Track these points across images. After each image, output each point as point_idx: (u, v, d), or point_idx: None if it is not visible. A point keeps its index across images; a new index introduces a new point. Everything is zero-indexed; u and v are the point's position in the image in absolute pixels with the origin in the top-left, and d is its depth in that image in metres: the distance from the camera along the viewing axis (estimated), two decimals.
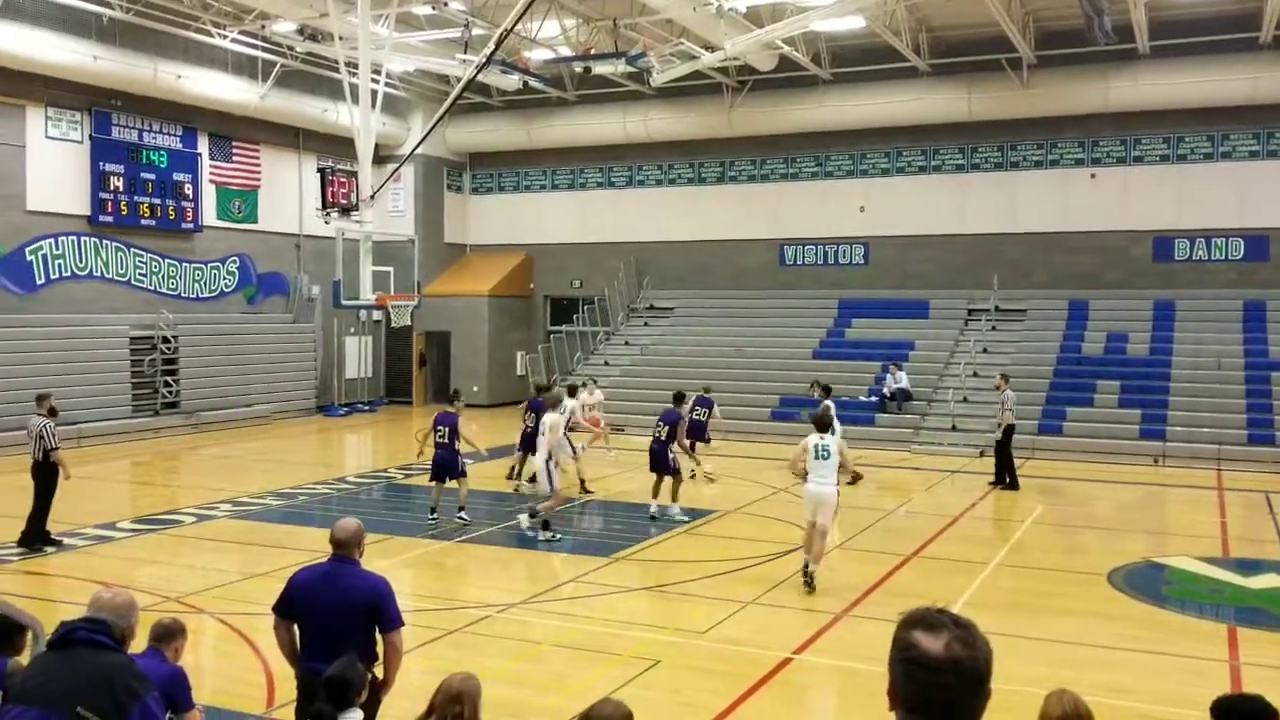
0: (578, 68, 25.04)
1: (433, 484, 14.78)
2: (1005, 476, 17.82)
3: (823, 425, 11.53)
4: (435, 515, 14.48)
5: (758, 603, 10.92)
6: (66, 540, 13.27)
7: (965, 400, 22.96)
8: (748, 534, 14.25)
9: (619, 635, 9.82)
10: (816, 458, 11.26)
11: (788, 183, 29.32)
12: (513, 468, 17.46)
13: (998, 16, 21.37)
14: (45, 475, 12.96)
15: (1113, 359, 23.67)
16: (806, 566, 11.39)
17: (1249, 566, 12.83)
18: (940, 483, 18.84)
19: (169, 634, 5.49)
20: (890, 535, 14.36)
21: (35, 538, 12.91)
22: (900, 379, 23.52)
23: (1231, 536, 14.77)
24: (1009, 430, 17.78)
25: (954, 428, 22.44)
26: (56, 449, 12.97)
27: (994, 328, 25.66)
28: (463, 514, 14.51)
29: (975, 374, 23.71)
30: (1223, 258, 24.95)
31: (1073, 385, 23.01)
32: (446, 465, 14.55)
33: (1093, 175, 25.95)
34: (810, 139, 28.46)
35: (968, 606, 10.79)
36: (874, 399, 23.86)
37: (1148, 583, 12.06)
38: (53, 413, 13.34)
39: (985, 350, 24.73)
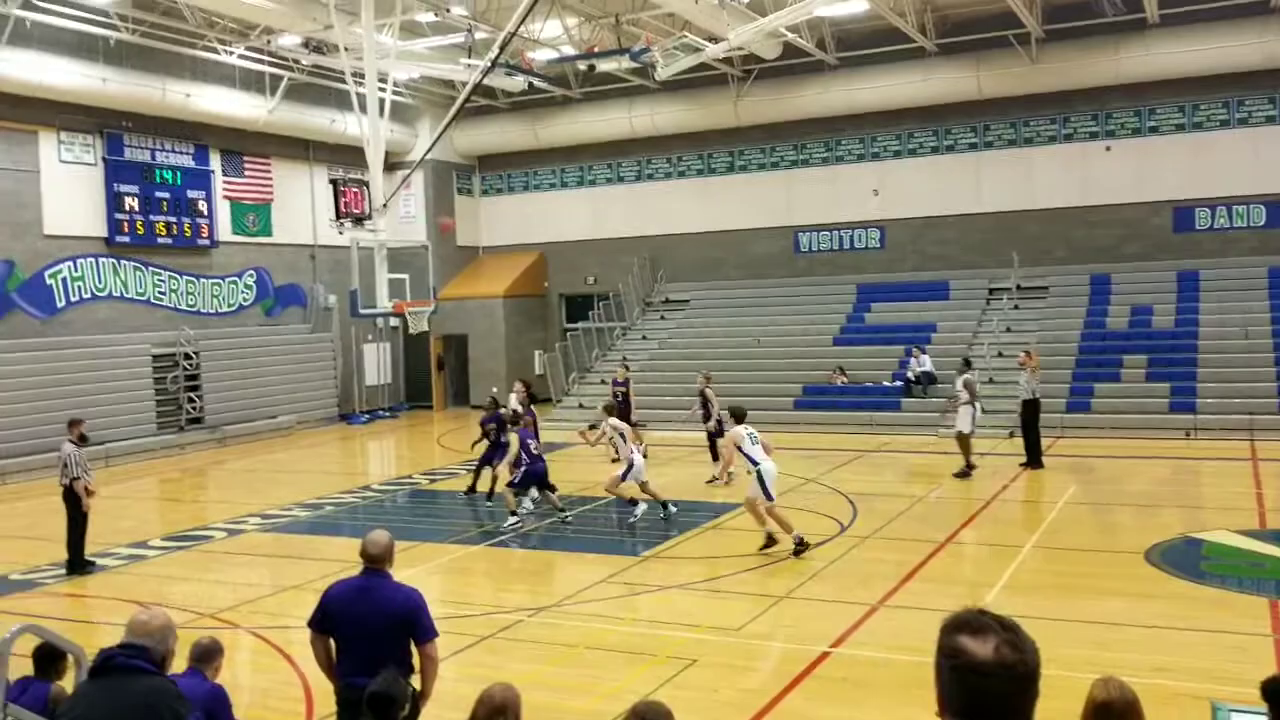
0: (582, 66, 24.99)
1: (521, 493, 14.81)
2: (1031, 455, 17.69)
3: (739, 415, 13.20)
4: (520, 520, 14.57)
5: (791, 596, 10.85)
6: (100, 560, 13.32)
7: (991, 381, 22.75)
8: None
9: (653, 635, 9.77)
10: (754, 443, 12.53)
11: (798, 169, 29.18)
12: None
13: None
14: (72, 502, 12.93)
15: (1138, 333, 23.41)
16: (802, 541, 12.39)
17: None
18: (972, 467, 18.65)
19: (208, 654, 5.50)
20: (922, 522, 14.24)
21: (75, 565, 12.93)
22: (924, 362, 23.37)
23: (1269, 508, 14.56)
24: (1035, 406, 17.63)
25: (982, 410, 22.22)
26: (79, 477, 12.82)
27: (1016, 306, 25.45)
28: (567, 515, 14.90)
29: (1000, 354, 23.52)
30: (1244, 225, 24.64)
31: (1099, 361, 22.80)
32: (544, 474, 14.63)
33: (1108, 148, 25.68)
34: (819, 124, 28.30)
35: (1005, 591, 10.70)
36: (898, 384, 23.73)
37: (1186, 559, 11.91)
38: (83, 439, 13.19)
39: (1009, 329, 24.53)
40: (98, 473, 14.89)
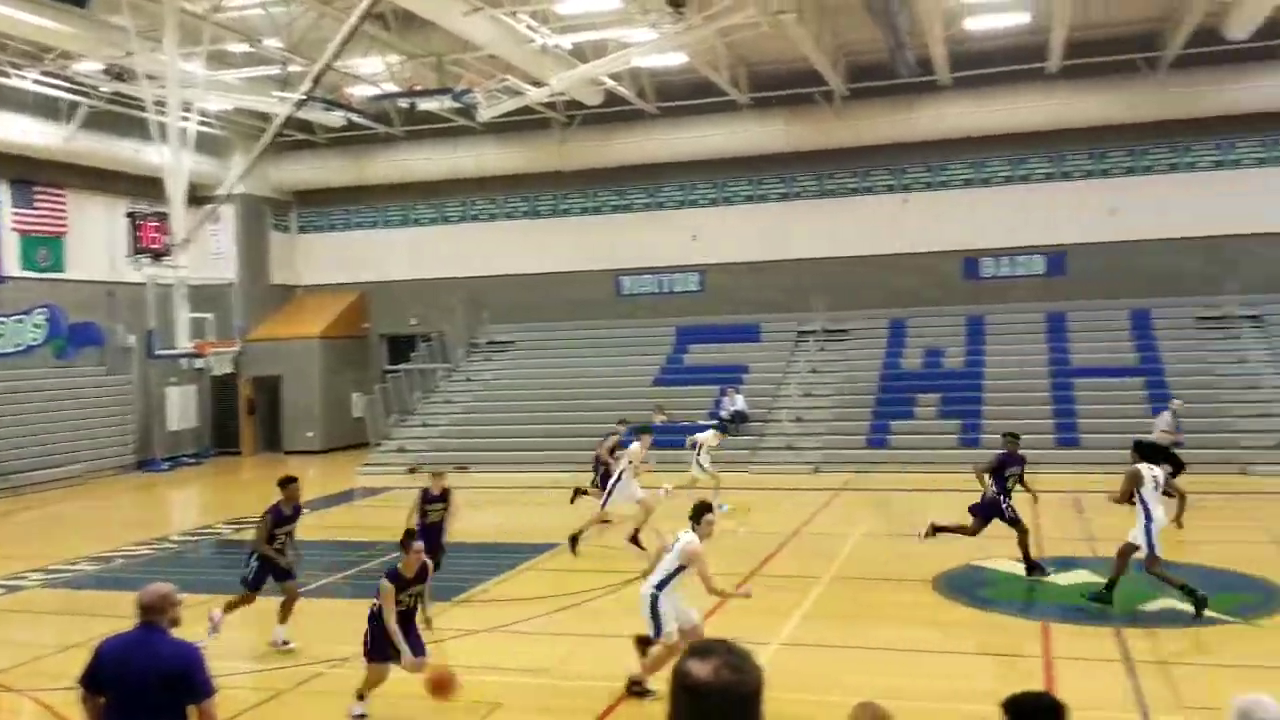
0: (403, 104, 24.84)
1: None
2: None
3: None
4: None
5: (604, 635, 10.93)
6: None
7: (799, 420, 23.70)
8: (590, 566, 14.29)
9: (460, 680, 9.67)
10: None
11: (621, 214, 29.77)
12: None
13: (808, 52, 22.28)
14: None
15: (931, 373, 24.93)
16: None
17: (1061, 564, 13.59)
18: (780, 502, 19.34)
19: None
20: (731, 555, 14.60)
21: None
22: (737, 401, 24.09)
23: (1045, 537, 15.62)
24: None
25: (789, 447, 23.10)
26: None
27: (822, 348, 26.63)
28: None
29: (808, 394, 24.51)
30: (1025, 274, 26.66)
31: (895, 400, 24.08)
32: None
33: (905, 200, 27.33)
34: (640, 171, 29.00)
35: (803, 620, 11.15)
36: (714, 422, 24.30)
37: (969, 586, 12.68)
38: None
39: (815, 370, 25.63)
40: None
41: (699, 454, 17.94)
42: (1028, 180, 26.71)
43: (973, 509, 13.13)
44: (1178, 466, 14.15)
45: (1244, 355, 23.57)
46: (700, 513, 8.97)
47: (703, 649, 2.38)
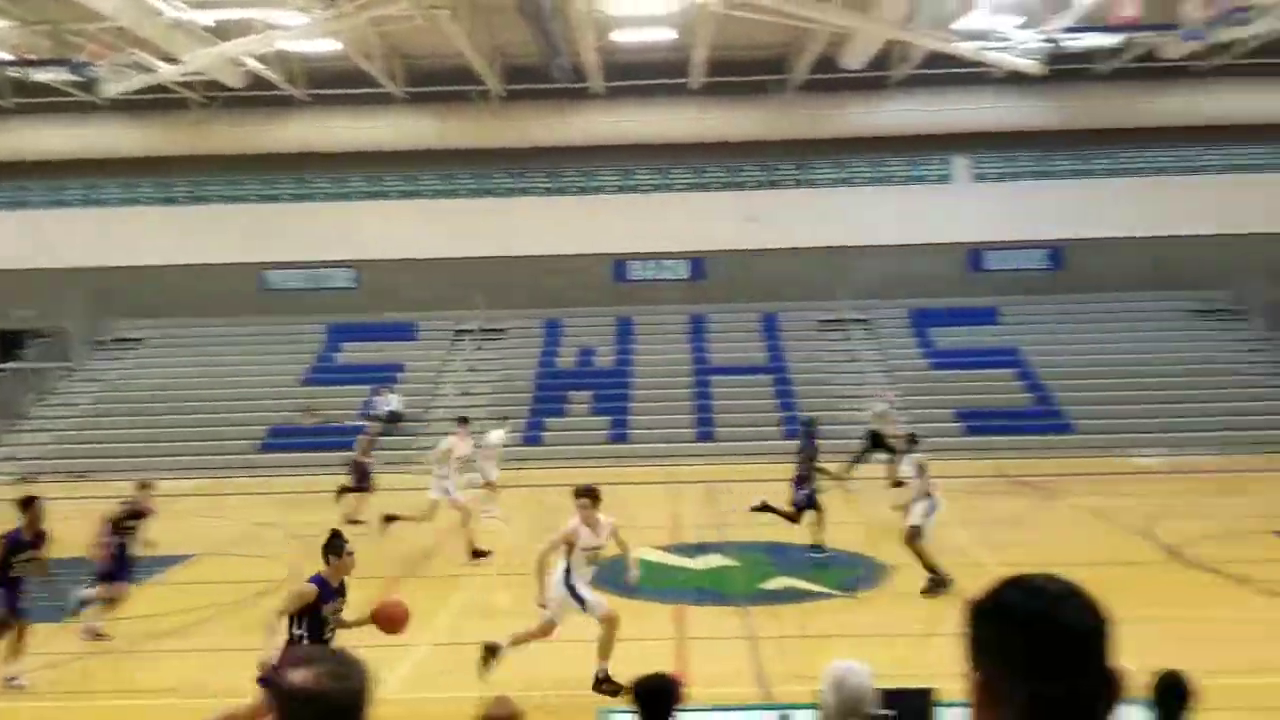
0: (12, 73, 22.29)
1: None
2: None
3: None
4: None
5: (246, 649, 10.39)
6: None
7: (465, 420, 23.63)
8: (231, 576, 13.55)
9: (65, 708, 8.86)
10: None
11: (268, 204, 28.34)
12: None
13: (464, 49, 22.32)
14: None
15: (584, 371, 25.86)
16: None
17: (696, 550, 14.56)
18: (437, 503, 19.18)
19: None
20: (378, 559, 14.38)
21: None
22: (391, 401, 23.69)
23: (683, 524, 16.70)
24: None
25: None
26: None
27: (479, 347, 26.79)
28: None
29: (466, 393, 24.55)
30: (671, 278, 28.24)
31: (550, 398, 24.73)
32: None
33: (557, 203, 28.11)
34: (290, 160, 27.75)
35: (456, 618, 11.20)
36: (363, 423, 23.77)
37: (614, 574, 13.23)
38: None
39: (472, 370, 25.73)
40: None
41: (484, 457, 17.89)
42: (672, 189, 28.32)
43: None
44: (891, 453, 16.53)
45: (855, 354, 26.33)
46: (578, 494, 9.56)
47: (308, 657, 2.39)
